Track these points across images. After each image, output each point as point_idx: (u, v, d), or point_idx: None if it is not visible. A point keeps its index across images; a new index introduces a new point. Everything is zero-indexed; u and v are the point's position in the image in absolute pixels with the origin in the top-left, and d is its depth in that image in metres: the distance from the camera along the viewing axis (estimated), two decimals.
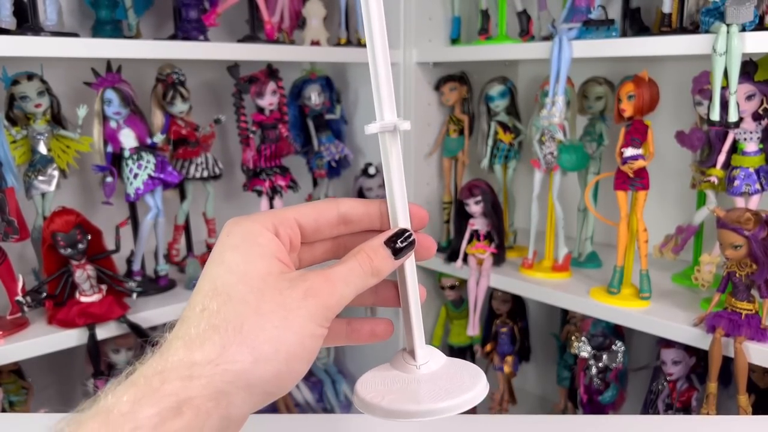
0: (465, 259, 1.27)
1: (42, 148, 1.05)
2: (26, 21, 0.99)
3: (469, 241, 1.25)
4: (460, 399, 0.36)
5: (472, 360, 1.35)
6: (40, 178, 1.04)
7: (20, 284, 0.97)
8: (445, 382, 0.38)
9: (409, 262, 0.39)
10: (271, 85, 1.22)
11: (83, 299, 0.99)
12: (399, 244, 0.37)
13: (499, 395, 1.38)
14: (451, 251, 1.31)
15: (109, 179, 1.07)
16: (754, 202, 0.98)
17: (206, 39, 1.15)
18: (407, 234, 0.37)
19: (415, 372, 0.39)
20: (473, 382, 0.37)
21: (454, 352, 1.50)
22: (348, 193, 1.44)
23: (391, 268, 0.37)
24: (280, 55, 1.21)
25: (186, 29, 1.13)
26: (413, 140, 1.38)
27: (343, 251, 0.38)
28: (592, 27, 1.08)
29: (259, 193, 1.25)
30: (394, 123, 0.37)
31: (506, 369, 1.34)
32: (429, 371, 0.39)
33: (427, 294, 1.45)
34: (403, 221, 0.38)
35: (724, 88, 0.92)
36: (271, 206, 1.27)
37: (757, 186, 0.97)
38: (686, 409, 1.11)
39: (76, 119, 1.06)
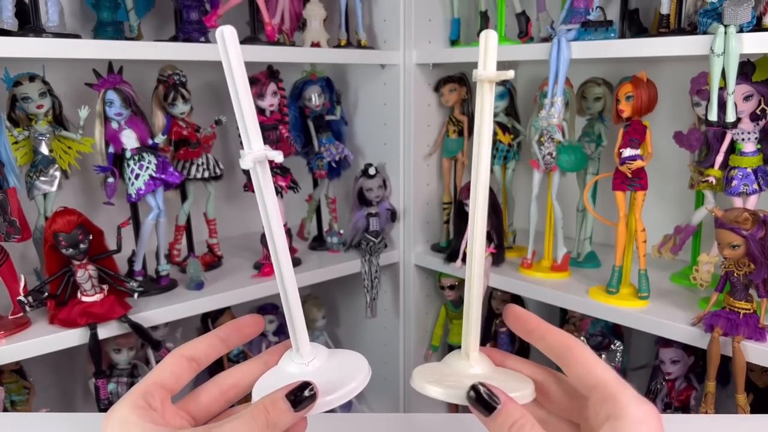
0: (464, 259, 1.27)
1: (44, 149, 1.05)
2: (28, 22, 0.99)
3: None
4: (346, 389, 0.38)
5: None
6: (42, 178, 1.05)
7: (22, 284, 0.97)
8: (331, 374, 0.40)
9: (286, 265, 0.40)
10: (272, 87, 1.23)
11: (85, 299, 1.00)
12: (300, 397, 0.37)
13: None
14: (450, 251, 1.32)
15: (110, 180, 1.08)
16: (752, 202, 0.98)
17: (207, 40, 1.16)
18: (309, 387, 0.37)
19: (304, 369, 0.41)
20: (357, 372, 0.40)
21: (454, 351, 1.50)
22: (348, 194, 1.45)
23: (291, 420, 0.37)
24: (281, 57, 1.22)
25: (187, 30, 1.14)
26: (413, 141, 1.38)
27: (234, 394, 0.42)
28: (590, 28, 1.08)
29: None
30: (264, 153, 0.37)
31: None
32: (316, 367, 0.41)
33: (427, 294, 1.45)
34: (283, 258, 0.40)
35: (722, 88, 0.92)
36: None
37: (755, 186, 0.97)
38: (685, 408, 1.11)
39: (77, 120, 1.07)
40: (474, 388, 0.37)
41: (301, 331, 0.41)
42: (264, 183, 0.38)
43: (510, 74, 0.39)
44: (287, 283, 0.40)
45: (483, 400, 0.36)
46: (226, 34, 0.35)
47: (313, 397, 0.37)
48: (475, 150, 0.40)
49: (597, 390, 0.36)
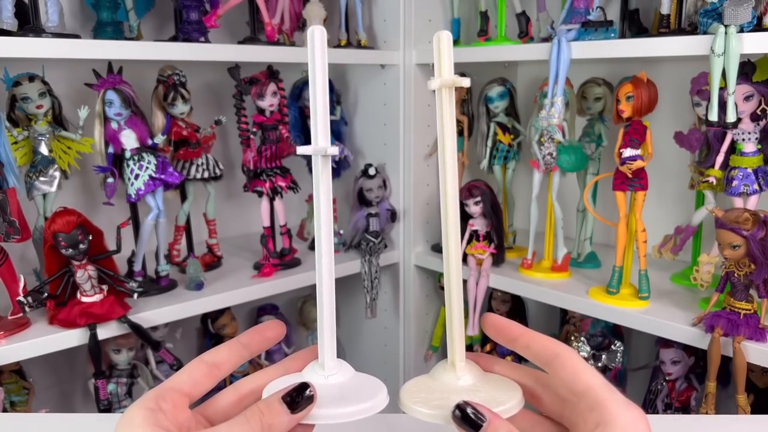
0: (464, 260, 1.27)
1: (43, 149, 1.05)
2: (28, 22, 0.99)
3: (469, 242, 1.26)
4: (359, 407, 0.38)
5: None
6: (42, 178, 1.05)
7: (21, 284, 0.97)
8: (348, 391, 0.40)
9: (328, 278, 0.40)
10: (272, 87, 1.23)
11: (84, 299, 0.99)
12: (297, 399, 0.36)
13: None
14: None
15: (110, 180, 1.08)
16: (752, 203, 0.98)
17: (207, 40, 1.15)
18: (307, 389, 0.37)
19: (323, 382, 0.40)
20: (374, 394, 0.40)
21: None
22: (348, 194, 1.44)
23: (288, 423, 0.36)
24: (281, 57, 1.21)
25: (187, 31, 1.14)
26: (413, 141, 1.38)
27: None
28: (590, 28, 1.08)
29: (260, 194, 1.25)
30: (326, 147, 0.39)
31: None
32: (336, 382, 0.41)
33: (427, 294, 1.44)
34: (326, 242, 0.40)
35: (723, 88, 0.92)
36: (272, 207, 1.28)
37: (756, 186, 0.97)
38: (685, 409, 1.11)
39: (77, 120, 1.07)
40: (459, 407, 0.36)
41: (329, 344, 0.41)
42: (323, 175, 0.39)
43: (466, 82, 0.38)
44: (324, 288, 0.41)
45: (469, 419, 0.36)
46: (317, 34, 0.37)
47: (310, 399, 0.37)
48: (440, 162, 0.39)
49: (585, 397, 0.36)
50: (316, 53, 0.38)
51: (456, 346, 0.41)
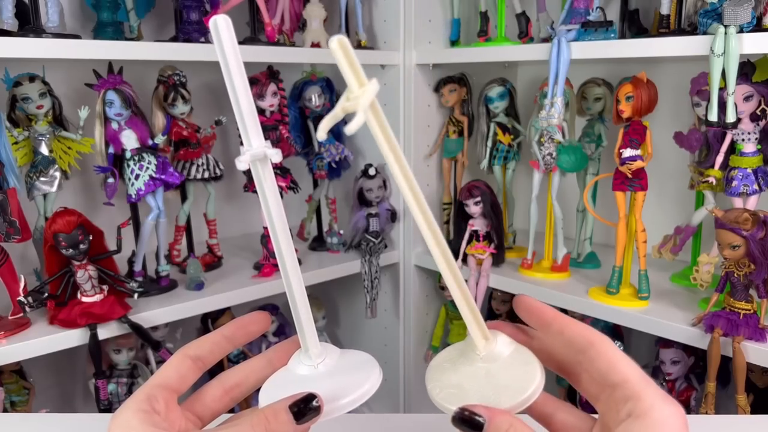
0: (464, 260, 1.27)
1: (44, 149, 1.05)
2: (28, 23, 0.99)
3: (469, 242, 1.26)
4: (358, 393, 0.37)
5: None
6: (42, 179, 1.05)
7: (22, 284, 0.97)
8: (342, 377, 0.39)
9: (292, 266, 0.39)
10: (272, 87, 1.23)
11: (85, 299, 1.00)
12: (303, 410, 0.36)
13: None
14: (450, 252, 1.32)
15: (110, 180, 1.08)
16: (752, 203, 0.98)
17: (207, 41, 1.16)
18: (314, 399, 0.36)
19: (313, 371, 0.39)
20: (368, 374, 0.39)
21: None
22: (348, 194, 1.44)
23: None
24: (281, 57, 1.22)
25: (187, 31, 1.14)
26: (413, 141, 1.38)
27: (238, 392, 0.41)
28: (590, 28, 1.08)
29: None
30: (263, 150, 0.35)
31: None
32: (326, 369, 0.40)
33: (427, 294, 1.44)
34: (287, 253, 0.38)
35: (722, 89, 0.92)
36: None
37: (755, 186, 0.97)
38: (685, 409, 1.11)
39: (77, 120, 1.07)
40: (456, 414, 0.36)
41: (309, 330, 0.40)
42: (266, 180, 0.36)
43: (374, 86, 0.33)
44: (293, 283, 0.39)
45: (468, 422, 0.36)
46: (220, 24, 0.33)
47: (317, 410, 0.36)
48: (394, 172, 0.36)
49: (621, 388, 0.35)
50: (224, 44, 0.33)
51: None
